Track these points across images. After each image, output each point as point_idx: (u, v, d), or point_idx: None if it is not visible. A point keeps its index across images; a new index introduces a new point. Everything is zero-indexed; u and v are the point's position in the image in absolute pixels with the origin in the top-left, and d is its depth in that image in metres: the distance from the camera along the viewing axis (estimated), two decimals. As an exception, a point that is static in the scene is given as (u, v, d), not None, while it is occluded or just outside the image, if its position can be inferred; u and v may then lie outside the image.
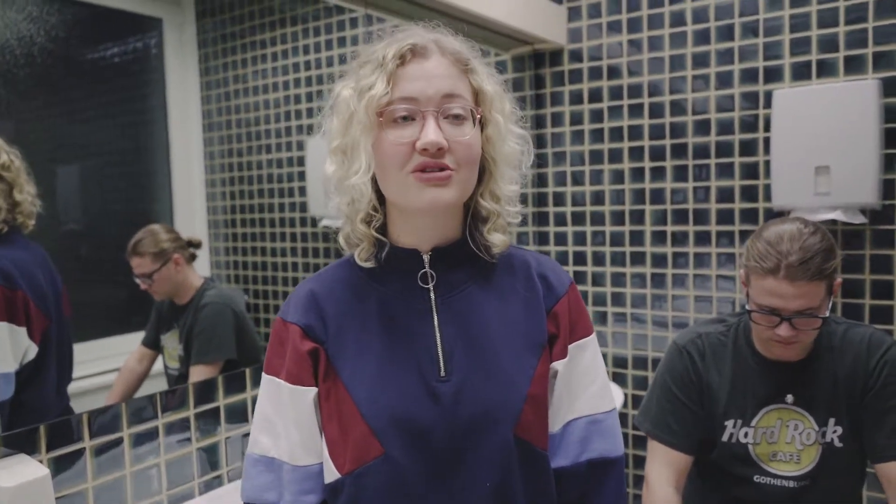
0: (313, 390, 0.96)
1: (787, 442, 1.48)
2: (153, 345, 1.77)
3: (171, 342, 1.78)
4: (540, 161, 2.45)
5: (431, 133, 0.87)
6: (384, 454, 0.91)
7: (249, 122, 2.24)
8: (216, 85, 2.09)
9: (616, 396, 1.91)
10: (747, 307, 1.45)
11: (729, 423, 1.51)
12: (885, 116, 1.88)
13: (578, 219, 2.36)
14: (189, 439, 1.54)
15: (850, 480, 1.51)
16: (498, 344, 0.95)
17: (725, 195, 2.13)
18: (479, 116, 0.93)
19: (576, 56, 2.32)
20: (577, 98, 2.33)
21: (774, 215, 2.05)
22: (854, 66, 1.92)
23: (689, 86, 2.15)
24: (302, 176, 2.31)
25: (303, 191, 2.31)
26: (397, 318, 0.95)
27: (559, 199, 2.43)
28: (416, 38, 0.92)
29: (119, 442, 1.41)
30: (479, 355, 0.94)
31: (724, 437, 1.51)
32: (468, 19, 1.95)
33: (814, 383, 1.47)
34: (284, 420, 0.96)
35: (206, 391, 1.59)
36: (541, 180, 2.46)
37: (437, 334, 0.94)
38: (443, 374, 0.92)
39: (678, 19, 2.15)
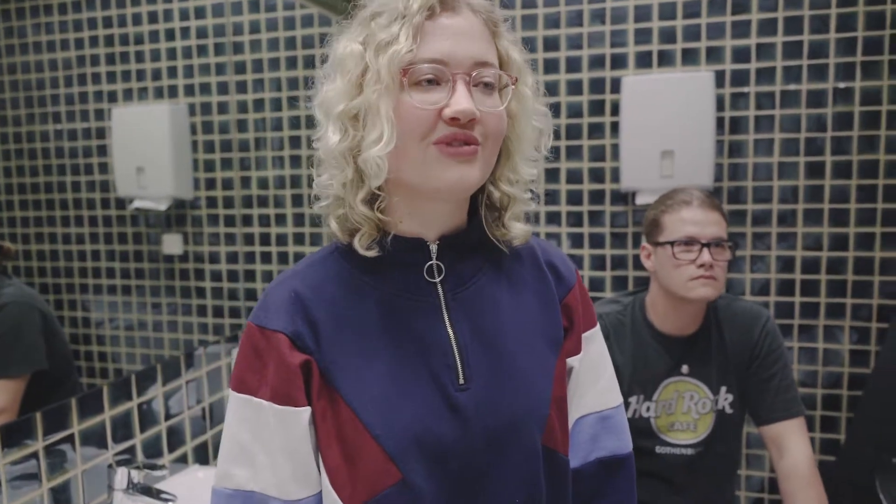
0: (307, 410, 0.80)
1: (683, 412, 1.56)
2: (-76, 354, 1.42)
3: (-47, 352, 1.43)
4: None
5: (464, 100, 0.75)
6: (401, 480, 0.77)
7: (30, 85, 1.85)
8: (-18, 37, 1.70)
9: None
10: (672, 247, 1.49)
11: (633, 400, 1.55)
12: (717, 106, 2.05)
13: (427, 200, 2.30)
14: (37, 478, 1.24)
15: (736, 444, 1.64)
16: (516, 343, 0.85)
17: (574, 177, 2.19)
18: (512, 87, 0.81)
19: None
20: (425, 75, 2.26)
21: (621, 197, 2.15)
22: (690, 57, 2.07)
23: (540, 68, 2.17)
24: (104, 150, 1.97)
25: (106, 167, 1.97)
26: (402, 319, 0.82)
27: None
28: None
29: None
30: (498, 357, 0.83)
31: (629, 414, 1.56)
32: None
33: (706, 354, 1.57)
34: (269, 448, 0.80)
35: (57, 417, 1.29)
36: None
37: (451, 335, 0.81)
38: (461, 381, 0.80)
39: (529, 1, 2.16)
